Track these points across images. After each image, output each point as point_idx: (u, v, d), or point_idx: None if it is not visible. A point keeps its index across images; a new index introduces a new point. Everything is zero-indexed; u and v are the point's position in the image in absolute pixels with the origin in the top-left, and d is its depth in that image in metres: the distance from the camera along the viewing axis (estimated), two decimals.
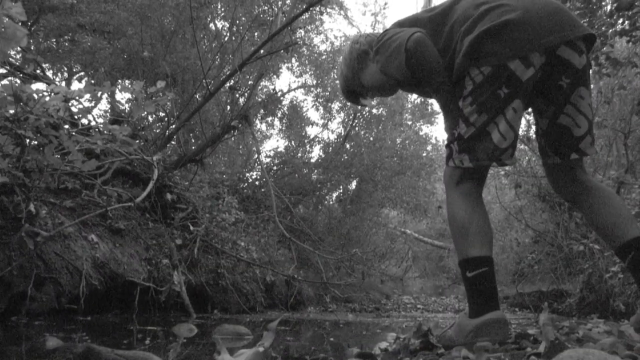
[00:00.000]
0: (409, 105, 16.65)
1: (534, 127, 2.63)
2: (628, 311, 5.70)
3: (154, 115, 9.59)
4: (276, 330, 1.93)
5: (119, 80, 9.07)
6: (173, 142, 9.43)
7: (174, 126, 8.52)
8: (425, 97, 2.76)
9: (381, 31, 2.81)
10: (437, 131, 37.16)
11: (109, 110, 9.21)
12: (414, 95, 16.91)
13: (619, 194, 9.59)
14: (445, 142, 2.45)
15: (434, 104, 17.97)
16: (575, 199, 2.49)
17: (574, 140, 2.35)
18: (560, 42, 2.20)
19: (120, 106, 8.94)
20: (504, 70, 2.22)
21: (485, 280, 2.20)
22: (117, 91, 8.65)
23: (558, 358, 1.32)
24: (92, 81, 9.17)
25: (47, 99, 4.17)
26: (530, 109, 2.56)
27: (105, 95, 8.85)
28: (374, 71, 2.72)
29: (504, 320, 2.15)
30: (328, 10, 13.49)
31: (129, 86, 4.77)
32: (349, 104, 14.44)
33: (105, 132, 4.88)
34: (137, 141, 6.71)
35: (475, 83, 2.28)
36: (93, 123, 5.84)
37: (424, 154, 16.08)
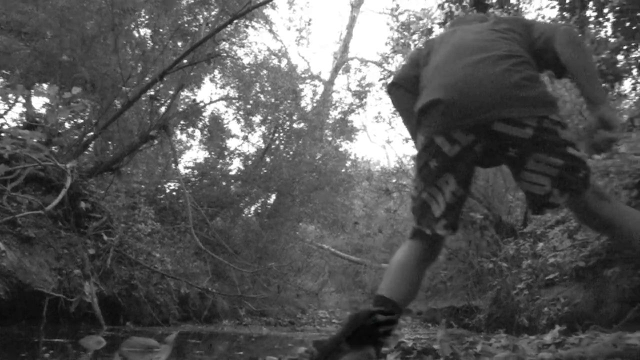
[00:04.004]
0: (330, 121, 16.84)
1: None
2: (531, 326, 5.92)
3: (71, 122, 9.35)
4: (174, 344, 1.95)
5: (36, 84, 8.80)
6: (90, 150, 9.21)
7: (91, 133, 8.34)
8: None
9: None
10: (356, 148, 37.72)
11: (24, 115, 8.92)
12: (335, 112, 17.19)
13: (527, 213, 10.00)
14: None
15: (354, 121, 18.26)
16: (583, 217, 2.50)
17: (541, 198, 2.31)
18: (477, 124, 2.26)
19: (36, 111, 8.67)
20: (432, 143, 2.34)
21: None
22: (34, 95, 8.38)
23: None
24: (7, 83, 8.86)
25: None
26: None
27: (21, 99, 8.57)
28: None
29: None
30: (253, 23, 13.51)
31: (44, 91, 4.67)
32: (269, 117, 14.50)
33: (17, 136, 4.74)
34: (53, 147, 6.53)
35: (418, 148, 2.44)
36: (5, 127, 5.66)
37: (343, 170, 16.24)
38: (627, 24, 6.13)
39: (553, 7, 6.55)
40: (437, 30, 10.15)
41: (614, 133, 2.28)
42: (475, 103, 2.26)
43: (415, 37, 13.12)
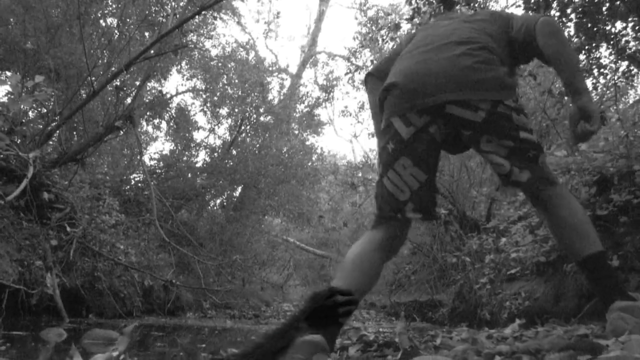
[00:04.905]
0: (297, 115, 16.86)
1: None
2: (493, 320, 6.01)
3: (35, 111, 9.21)
4: (132, 335, 1.95)
5: None
6: (54, 140, 9.09)
7: (55, 123, 8.23)
8: None
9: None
10: (322, 142, 37.82)
11: None
12: (302, 105, 17.21)
13: (491, 209, 10.16)
14: None
15: (321, 115, 18.33)
16: (540, 214, 2.58)
17: (504, 177, 2.36)
18: (430, 106, 2.31)
19: None
20: (391, 126, 2.39)
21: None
22: None
23: None
24: None
25: None
26: None
27: None
28: None
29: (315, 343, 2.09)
30: (221, 15, 13.45)
31: (6, 79, 4.60)
32: (236, 110, 14.48)
33: None
34: (15, 137, 6.43)
35: (380, 131, 2.49)
36: None
37: (309, 164, 16.28)
38: (589, 25, 6.24)
39: (518, 6, 6.63)
40: (405, 26, 10.21)
41: (592, 125, 2.31)
42: (427, 85, 2.32)
43: (382, 32, 13.18)
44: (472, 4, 7.20)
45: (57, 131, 8.44)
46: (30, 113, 9.12)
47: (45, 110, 9.06)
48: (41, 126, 8.20)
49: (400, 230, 2.44)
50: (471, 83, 2.28)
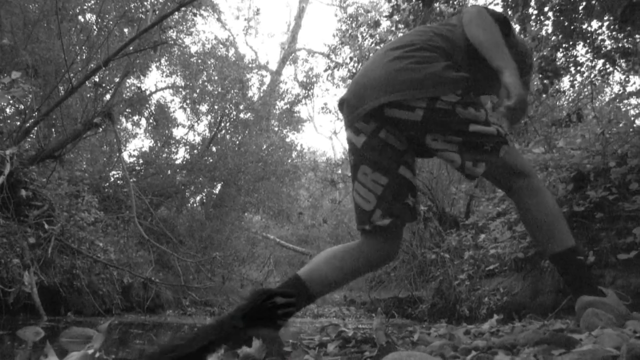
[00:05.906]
0: (277, 112, 16.86)
1: None
2: (471, 315, 6.06)
3: (12, 108, 9.13)
4: (107, 332, 1.95)
5: None
6: (32, 137, 9.01)
7: (33, 120, 8.16)
8: None
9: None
10: (302, 139, 37.77)
11: None
12: (281, 102, 17.22)
13: (470, 206, 10.22)
14: None
15: (301, 112, 18.35)
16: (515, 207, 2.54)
17: (458, 170, 2.32)
18: (364, 113, 2.32)
19: None
20: (349, 139, 2.46)
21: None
22: None
23: None
24: None
25: None
26: None
27: None
28: None
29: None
30: (201, 11, 13.40)
31: None
32: (216, 107, 14.45)
33: None
34: None
35: None
36: None
37: (289, 161, 16.29)
38: (566, 23, 6.32)
39: (497, 4, 6.69)
40: (385, 23, 10.26)
41: (510, 100, 2.17)
42: (365, 92, 2.33)
43: (362, 29, 13.21)
44: (450, 2, 7.24)
45: (35, 128, 8.37)
46: (7, 109, 9.05)
47: (22, 107, 8.98)
48: (19, 123, 8.13)
49: (384, 237, 2.39)
50: (401, 84, 2.26)
